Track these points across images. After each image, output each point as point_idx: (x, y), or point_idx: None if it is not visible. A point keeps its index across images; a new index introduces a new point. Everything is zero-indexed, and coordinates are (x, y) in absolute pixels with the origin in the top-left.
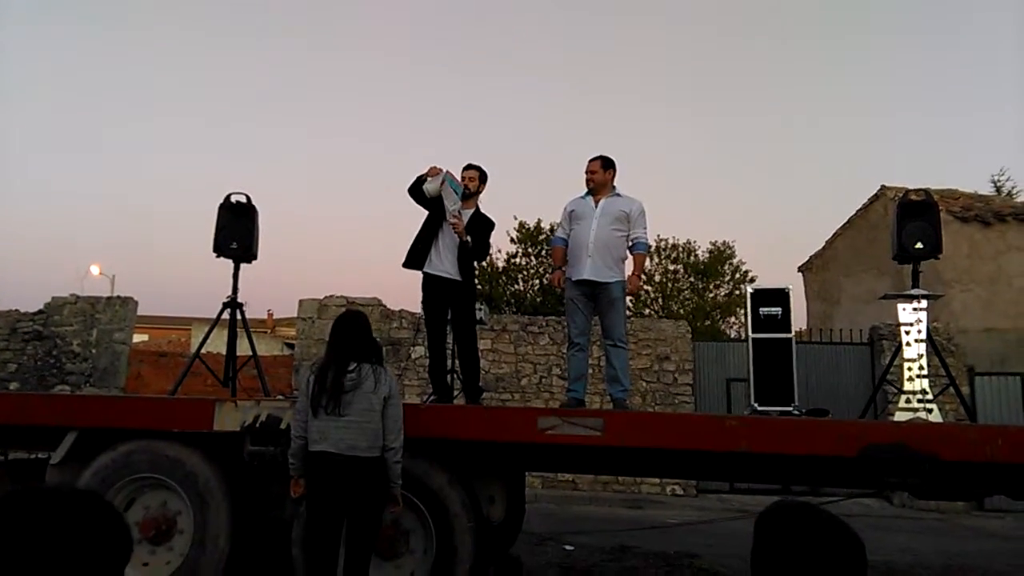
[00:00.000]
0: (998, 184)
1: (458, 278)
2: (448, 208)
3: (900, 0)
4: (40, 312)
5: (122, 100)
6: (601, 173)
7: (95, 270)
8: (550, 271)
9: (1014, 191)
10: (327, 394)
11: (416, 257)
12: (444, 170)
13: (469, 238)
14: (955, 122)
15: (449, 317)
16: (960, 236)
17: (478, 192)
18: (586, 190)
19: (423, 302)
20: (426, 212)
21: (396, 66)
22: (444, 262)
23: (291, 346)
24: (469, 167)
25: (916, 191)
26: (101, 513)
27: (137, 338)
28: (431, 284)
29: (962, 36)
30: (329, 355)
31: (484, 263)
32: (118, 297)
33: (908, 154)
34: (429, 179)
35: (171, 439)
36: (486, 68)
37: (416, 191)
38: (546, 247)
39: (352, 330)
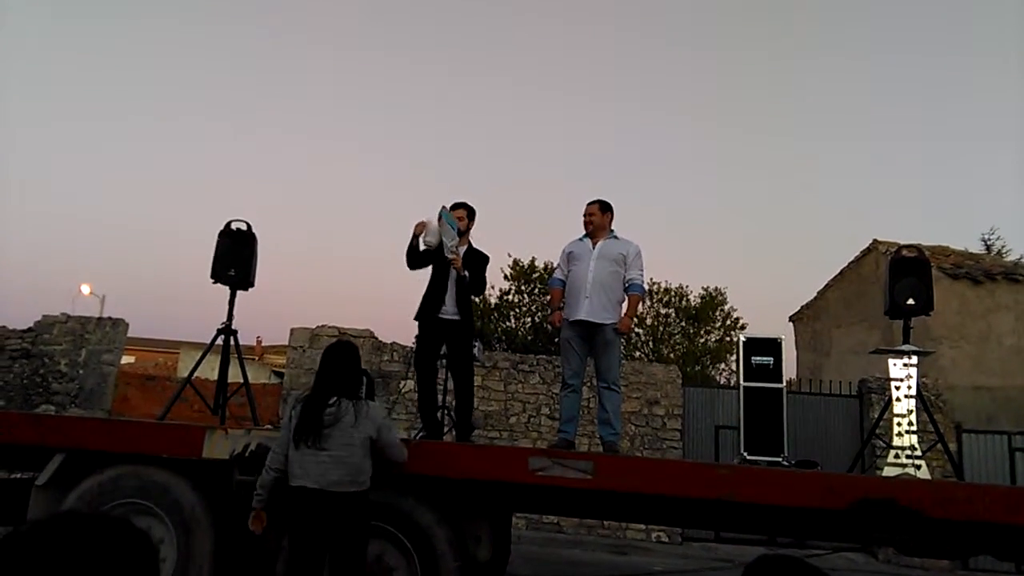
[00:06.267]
0: (988, 243)
1: (457, 317)
2: (447, 244)
3: (894, 58)
4: (29, 330)
5: (118, 121)
6: (599, 216)
7: (86, 290)
8: (543, 309)
9: (1004, 250)
10: (307, 428)
11: (431, 310)
12: (441, 208)
13: (467, 273)
14: (948, 180)
15: (443, 353)
16: (950, 293)
17: (468, 229)
18: (584, 232)
19: (418, 338)
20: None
21: (395, 100)
22: (447, 304)
23: (279, 374)
24: (457, 206)
25: (908, 247)
26: (134, 540)
27: (124, 360)
28: (430, 322)
29: (957, 94)
30: (313, 388)
31: (478, 299)
32: (109, 318)
33: (900, 209)
34: (424, 237)
35: (159, 465)
36: (485, 105)
37: (416, 259)
38: (540, 285)
39: (335, 363)
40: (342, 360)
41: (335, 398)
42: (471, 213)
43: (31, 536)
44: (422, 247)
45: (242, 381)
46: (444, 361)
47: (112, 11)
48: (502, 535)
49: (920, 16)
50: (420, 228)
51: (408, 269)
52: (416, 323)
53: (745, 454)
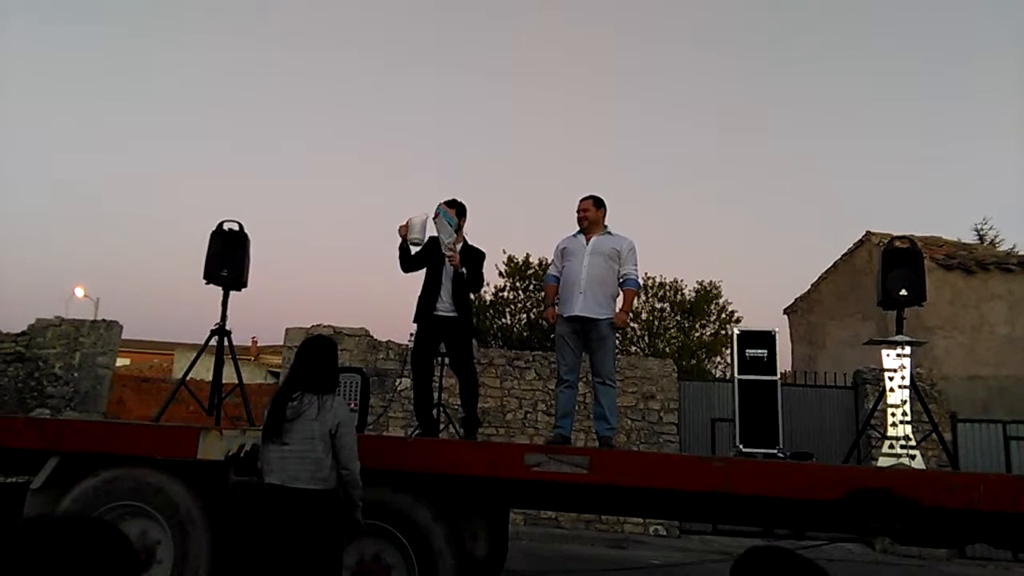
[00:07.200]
0: (981, 233)
1: (454, 314)
2: (443, 241)
3: (888, 51)
4: (23, 333)
5: (115, 123)
6: (593, 211)
7: (79, 292)
8: (538, 305)
9: (996, 240)
10: (270, 422)
11: (427, 308)
12: (438, 205)
13: (464, 269)
14: (940, 171)
15: (443, 351)
16: (943, 284)
17: (460, 227)
18: (578, 228)
19: (416, 335)
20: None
21: (391, 100)
22: (443, 300)
23: (275, 374)
24: (448, 204)
25: (901, 238)
26: (113, 542)
27: (119, 362)
28: (428, 320)
29: (949, 86)
30: (283, 383)
31: (474, 296)
32: (103, 321)
33: (893, 201)
34: (409, 236)
35: (154, 466)
36: (482, 102)
37: (408, 262)
38: (535, 282)
39: (304, 358)
40: (312, 355)
41: (299, 392)
42: (461, 210)
43: (4, 541)
44: (413, 249)
45: (236, 382)
46: (441, 359)
47: (111, 11)
48: (499, 531)
49: (911, 9)
50: (404, 230)
51: (403, 273)
52: (415, 324)
53: (741, 447)
